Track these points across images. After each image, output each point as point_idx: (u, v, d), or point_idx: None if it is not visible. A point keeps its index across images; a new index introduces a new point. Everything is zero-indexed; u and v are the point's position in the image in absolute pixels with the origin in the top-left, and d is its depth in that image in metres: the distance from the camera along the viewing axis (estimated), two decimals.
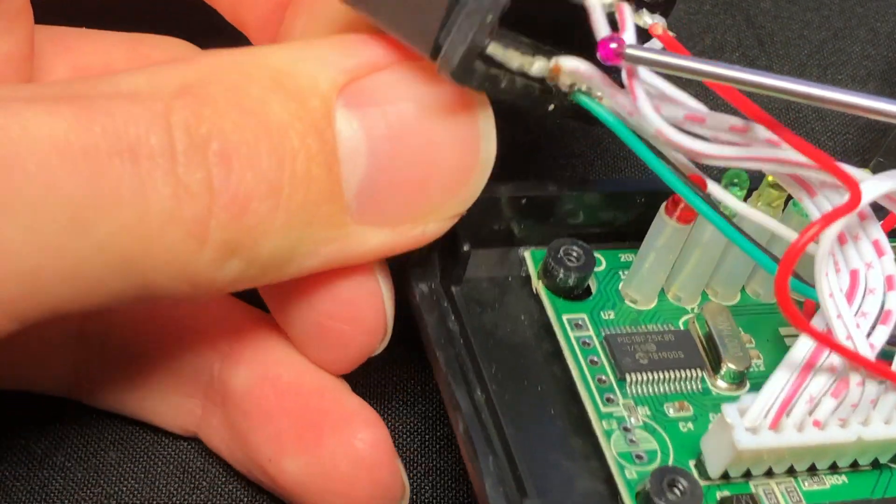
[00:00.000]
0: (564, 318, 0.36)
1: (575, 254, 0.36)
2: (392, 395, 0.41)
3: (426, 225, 0.32)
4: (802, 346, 0.32)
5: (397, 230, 0.32)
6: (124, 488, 0.37)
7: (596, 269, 0.37)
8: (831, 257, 0.32)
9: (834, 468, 0.34)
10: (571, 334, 0.35)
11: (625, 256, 0.38)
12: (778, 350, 0.36)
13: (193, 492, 0.38)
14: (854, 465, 0.34)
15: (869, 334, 0.32)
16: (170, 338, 0.37)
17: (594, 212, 0.37)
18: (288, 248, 0.31)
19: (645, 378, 0.35)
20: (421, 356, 0.35)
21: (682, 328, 0.36)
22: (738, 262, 0.37)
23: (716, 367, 0.35)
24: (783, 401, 0.32)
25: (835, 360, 0.32)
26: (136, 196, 0.29)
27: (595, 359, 0.35)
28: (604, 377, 0.35)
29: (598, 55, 0.30)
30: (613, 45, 0.30)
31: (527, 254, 0.37)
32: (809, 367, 0.32)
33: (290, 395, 0.35)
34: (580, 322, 0.36)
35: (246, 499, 0.38)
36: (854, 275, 0.33)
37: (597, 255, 0.37)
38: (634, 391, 0.35)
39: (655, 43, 0.32)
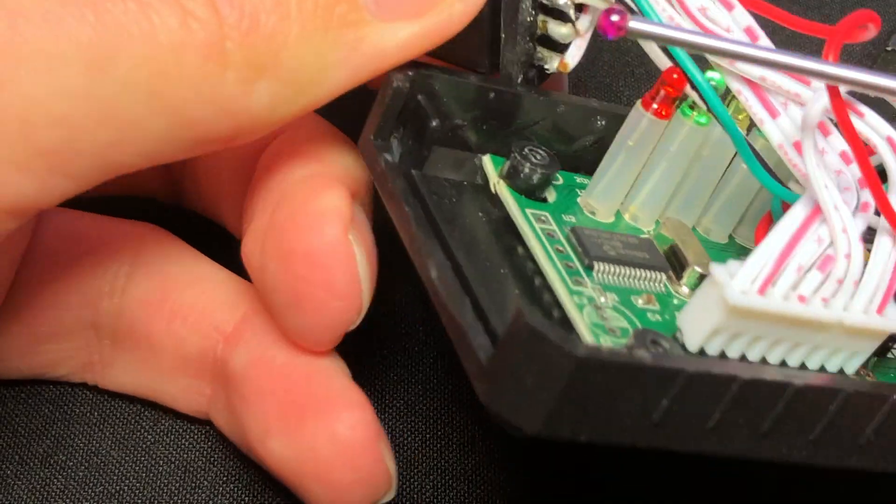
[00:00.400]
0: (528, 210, 0.34)
1: (540, 155, 0.35)
2: (393, 395, 0.41)
3: (451, 6, 0.32)
4: (795, 215, 0.32)
5: (422, 20, 0.32)
6: (126, 487, 0.38)
7: (554, 182, 0.36)
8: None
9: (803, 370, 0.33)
10: (537, 225, 0.34)
11: (581, 179, 0.37)
12: None
13: (195, 491, 0.38)
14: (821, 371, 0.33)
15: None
16: (177, 319, 0.37)
17: (554, 130, 0.36)
18: (313, 59, 0.31)
19: (613, 270, 0.33)
20: (421, 353, 0.37)
21: (648, 237, 0.35)
22: (698, 190, 0.36)
23: (679, 273, 0.34)
24: (773, 266, 0.31)
25: (823, 232, 0.31)
26: (145, 31, 0.29)
27: (561, 248, 0.34)
28: (571, 263, 0.33)
29: (599, 28, 0.29)
30: (615, 18, 0.29)
31: (486, 158, 0.36)
32: (799, 235, 0.31)
33: (280, 377, 0.35)
34: (543, 217, 0.35)
35: (248, 498, 0.38)
36: (844, 155, 0.33)
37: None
38: (602, 279, 0.33)
39: None
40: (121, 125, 0.30)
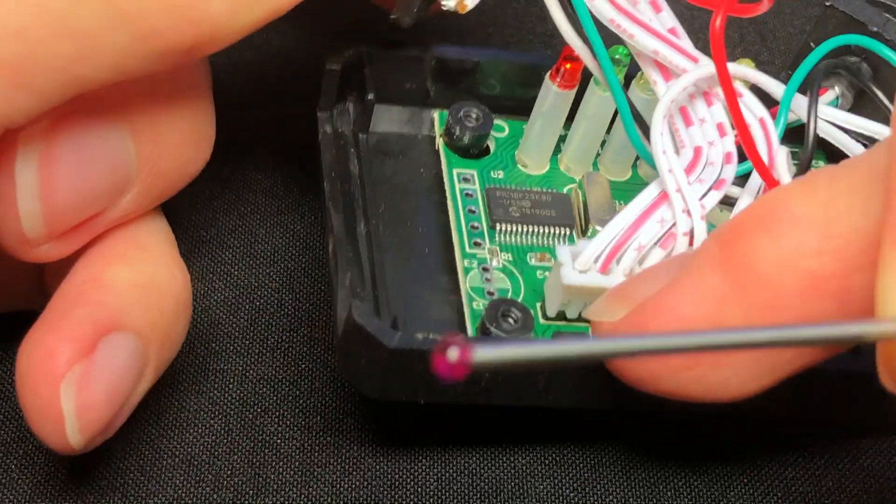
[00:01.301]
0: (455, 171, 0.39)
1: (474, 115, 0.40)
2: None
3: None
4: (638, 201, 0.35)
5: None
6: (129, 481, 0.37)
7: (498, 134, 0.40)
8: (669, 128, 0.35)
9: None
10: (458, 186, 0.39)
11: None
12: None
13: (198, 485, 0.37)
14: None
15: (702, 198, 0.35)
16: None
17: (505, 83, 0.41)
18: None
19: (514, 229, 0.38)
20: None
21: (565, 193, 0.39)
22: (625, 137, 0.39)
23: (585, 227, 0.38)
24: (613, 247, 0.35)
25: (666, 213, 0.35)
26: None
27: (473, 208, 0.38)
28: (476, 224, 0.38)
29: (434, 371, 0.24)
30: (454, 355, 0.24)
31: (436, 114, 0.40)
32: (642, 218, 0.35)
33: (60, 294, 0.34)
34: (468, 176, 0.39)
35: (251, 491, 0.37)
36: (697, 151, 0.36)
37: (502, 122, 0.41)
38: (502, 239, 0.38)
39: None
40: (79, 37, 0.29)
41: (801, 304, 0.31)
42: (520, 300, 0.37)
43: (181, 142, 0.35)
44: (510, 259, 0.38)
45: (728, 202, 0.36)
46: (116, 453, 0.38)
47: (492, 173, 0.40)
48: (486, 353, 0.24)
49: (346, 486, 0.38)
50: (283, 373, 0.39)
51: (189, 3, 0.30)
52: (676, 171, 0.35)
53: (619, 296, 0.34)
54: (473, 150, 0.40)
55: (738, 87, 0.36)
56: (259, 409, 0.37)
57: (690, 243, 0.35)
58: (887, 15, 0.38)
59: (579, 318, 0.36)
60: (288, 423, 0.38)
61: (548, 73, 0.38)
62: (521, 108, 0.41)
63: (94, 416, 0.33)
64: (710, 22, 0.35)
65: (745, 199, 0.36)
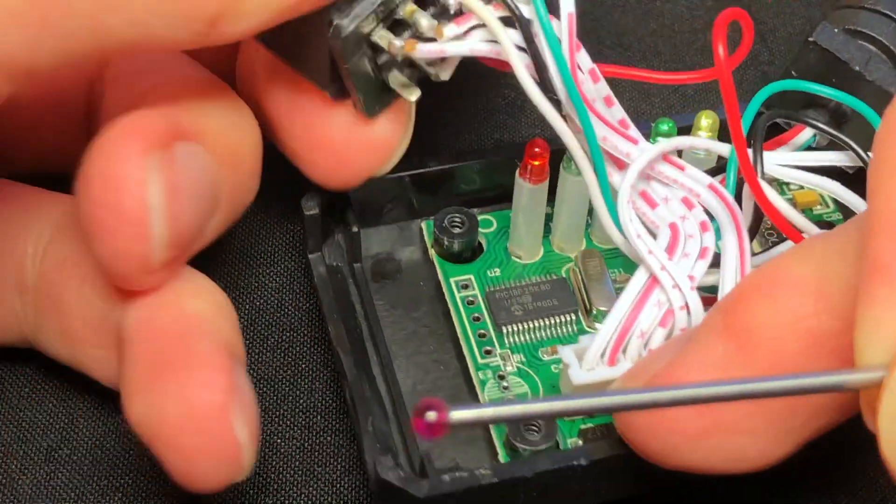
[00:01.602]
0: (452, 280, 0.40)
1: (459, 220, 0.40)
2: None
3: None
4: (630, 289, 0.36)
5: None
6: (129, 481, 0.38)
7: (487, 230, 0.41)
8: (633, 212, 0.36)
9: None
10: (458, 294, 0.40)
11: None
12: None
13: None
14: None
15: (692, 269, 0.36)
16: (87, 283, 0.36)
17: (481, 179, 0.41)
18: None
19: (520, 328, 0.39)
20: None
21: (563, 276, 0.40)
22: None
23: (588, 308, 0.39)
24: (616, 340, 0.35)
25: (660, 296, 0.35)
26: None
27: (478, 315, 0.39)
28: (483, 331, 0.39)
29: (415, 430, 0.26)
30: (432, 417, 0.26)
31: (423, 225, 0.41)
32: (639, 306, 0.35)
33: (157, 338, 0.34)
34: (467, 283, 0.40)
35: (251, 491, 0.38)
36: (674, 227, 0.36)
37: (488, 216, 0.41)
38: (511, 341, 0.39)
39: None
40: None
41: (803, 365, 0.31)
42: None
43: (250, 173, 0.36)
44: (523, 360, 0.38)
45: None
46: (117, 453, 0.38)
47: (489, 272, 0.40)
48: (461, 415, 0.26)
49: (346, 485, 0.38)
50: (283, 373, 0.40)
51: None
52: (656, 251, 0.36)
53: (631, 377, 0.34)
54: (466, 254, 0.40)
55: (680, 161, 0.37)
56: (259, 409, 0.36)
57: (689, 314, 0.36)
58: (872, 48, 0.37)
59: None
60: (288, 423, 0.39)
61: (517, 171, 0.39)
62: (503, 196, 0.41)
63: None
64: (723, 96, 0.35)
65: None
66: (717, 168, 0.39)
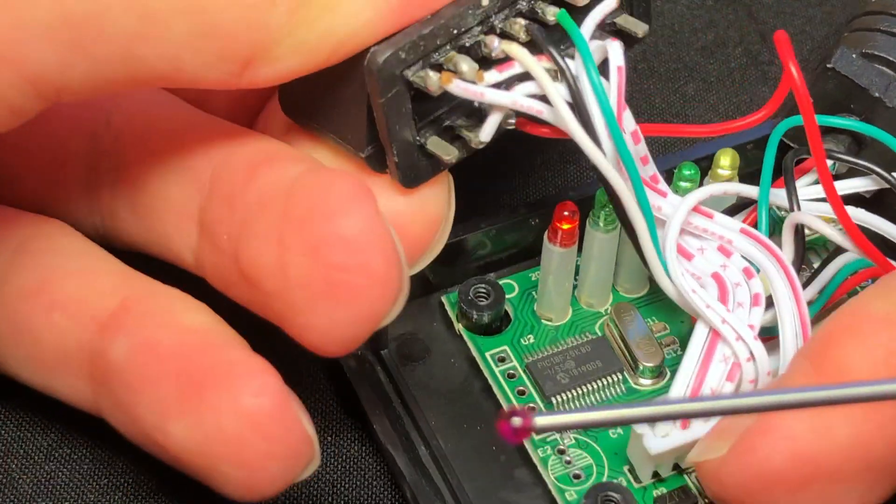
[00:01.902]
0: (488, 354, 0.38)
1: (484, 290, 0.39)
2: None
3: None
4: (693, 347, 0.35)
5: None
6: (130, 480, 0.37)
7: (509, 295, 0.40)
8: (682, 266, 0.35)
9: None
10: (496, 369, 0.38)
11: (534, 275, 0.40)
12: (691, 329, 0.39)
13: (199, 485, 0.36)
14: None
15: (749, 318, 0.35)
16: (57, 310, 0.35)
17: (495, 243, 0.40)
18: None
19: (569, 396, 0.37)
20: None
21: (598, 334, 0.39)
22: (636, 257, 0.39)
23: (634, 366, 0.38)
24: None
25: (725, 350, 0.35)
26: None
27: (522, 388, 0.38)
28: (533, 405, 0.37)
29: (501, 435, 0.27)
30: (517, 423, 0.27)
31: (443, 299, 0.40)
32: (705, 365, 0.35)
33: (172, 358, 0.33)
34: (503, 355, 0.38)
35: None
36: (717, 277, 0.36)
37: (509, 280, 0.40)
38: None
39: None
40: (143, 14, 0.30)
41: None
42: (605, 473, 0.36)
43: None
44: (579, 430, 0.37)
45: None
46: (118, 452, 0.37)
47: (522, 340, 0.39)
48: (544, 420, 0.27)
49: (346, 486, 0.38)
50: (283, 373, 0.38)
51: (252, 4, 0.30)
52: (714, 304, 0.35)
53: (719, 434, 0.33)
54: (495, 325, 0.39)
55: (707, 209, 0.36)
56: None
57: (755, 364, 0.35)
58: (891, 73, 0.37)
59: (675, 468, 0.36)
60: None
61: (546, 235, 0.38)
62: (518, 255, 0.40)
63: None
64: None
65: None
66: (736, 206, 0.38)
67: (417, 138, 0.34)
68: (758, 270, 0.36)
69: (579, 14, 0.34)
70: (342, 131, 0.34)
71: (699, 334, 0.35)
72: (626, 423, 0.35)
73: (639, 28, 0.35)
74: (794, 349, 0.35)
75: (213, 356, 0.33)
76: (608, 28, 0.35)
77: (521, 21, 0.33)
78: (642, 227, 0.34)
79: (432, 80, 0.32)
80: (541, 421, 0.27)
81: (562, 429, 0.33)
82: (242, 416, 0.32)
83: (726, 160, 0.39)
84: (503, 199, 0.44)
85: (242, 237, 0.33)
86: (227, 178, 0.34)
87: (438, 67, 0.33)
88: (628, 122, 0.34)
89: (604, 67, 0.34)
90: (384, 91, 0.32)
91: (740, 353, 0.35)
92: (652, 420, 0.34)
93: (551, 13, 0.33)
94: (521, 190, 0.44)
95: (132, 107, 0.37)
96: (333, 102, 0.34)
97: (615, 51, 0.33)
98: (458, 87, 0.33)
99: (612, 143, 0.33)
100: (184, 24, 0.30)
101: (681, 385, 0.35)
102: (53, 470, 0.38)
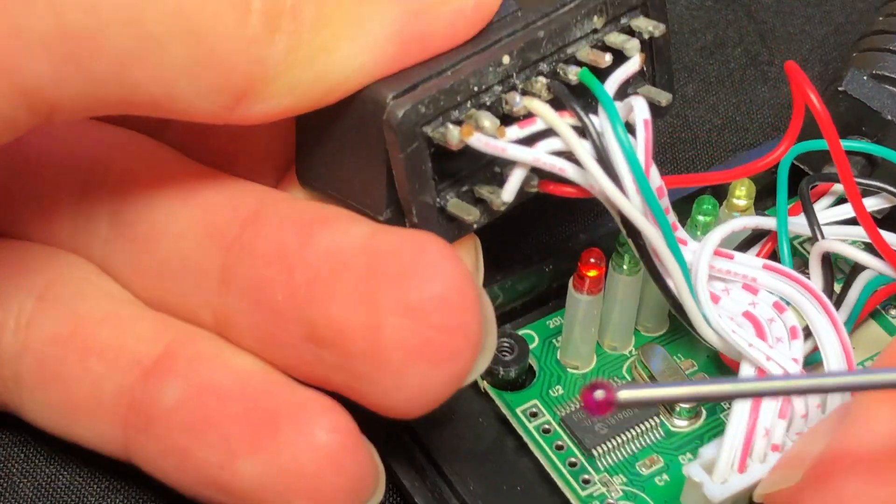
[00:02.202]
0: (518, 411, 0.37)
1: (507, 345, 0.38)
2: None
3: None
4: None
5: None
6: (131, 483, 0.37)
7: (531, 345, 0.38)
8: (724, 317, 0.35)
9: None
10: (530, 425, 0.37)
11: (552, 322, 0.39)
12: (719, 363, 0.38)
13: None
14: None
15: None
16: (92, 356, 0.35)
17: (508, 294, 0.39)
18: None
19: (610, 446, 0.36)
20: None
21: (626, 377, 0.38)
22: (658, 295, 0.38)
23: (670, 408, 0.37)
24: (743, 447, 0.34)
25: None
26: None
27: (560, 443, 0.37)
28: (574, 459, 0.36)
29: (585, 409, 0.28)
30: (600, 395, 0.27)
31: None
32: (757, 405, 0.34)
33: (234, 399, 0.33)
34: (534, 410, 0.37)
35: None
36: (750, 316, 0.35)
37: (527, 331, 0.39)
38: (605, 463, 0.36)
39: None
40: (143, 36, 0.30)
41: None
42: None
43: None
44: (625, 481, 0.36)
45: None
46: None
47: (551, 392, 0.38)
48: (628, 394, 0.28)
49: None
50: None
51: (251, 39, 0.30)
52: (756, 343, 0.34)
53: (790, 463, 0.33)
54: (521, 379, 0.38)
55: (727, 250, 0.36)
56: None
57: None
58: None
59: None
60: None
61: (571, 282, 0.37)
62: (532, 303, 0.40)
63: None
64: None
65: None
66: (751, 238, 0.38)
67: (437, 199, 0.32)
68: (787, 303, 0.35)
69: (601, 75, 0.33)
70: (360, 196, 0.33)
71: (746, 375, 0.34)
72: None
73: (662, 97, 0.34)
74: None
75: (279, 395, 0.33)
76: (630, 94, 0.34)
77: (543, 80, 0.33)
78: (680, 280, 0.34)
79: (452, 134, 0.31)
80: (624, 394, 0.27)
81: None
82: (319, 451, 0.32)
83: (742, 190, 0.38)
84: (511, 246, 0.43)
85: (314, 299, 0.32)
86: (270, 237, 0.33)
87: (458, 123, 0.32)
88: (655, 177, 0.33)
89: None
90: (404, 146, 0.31)
91: None
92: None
93: (573, 73, 0.33)
94: (530, 234, 0.43)
95: (134, 161, 0.36)
96: (351, 167, 0.33)
97: (640, 106, 0.32)
98: (479, 141, 0.32)
99: (641, 199, 0.32)
100: (181, 51, 0.30)
101: (734, 429, 0.34)
102: (53, 473, 0.38)
